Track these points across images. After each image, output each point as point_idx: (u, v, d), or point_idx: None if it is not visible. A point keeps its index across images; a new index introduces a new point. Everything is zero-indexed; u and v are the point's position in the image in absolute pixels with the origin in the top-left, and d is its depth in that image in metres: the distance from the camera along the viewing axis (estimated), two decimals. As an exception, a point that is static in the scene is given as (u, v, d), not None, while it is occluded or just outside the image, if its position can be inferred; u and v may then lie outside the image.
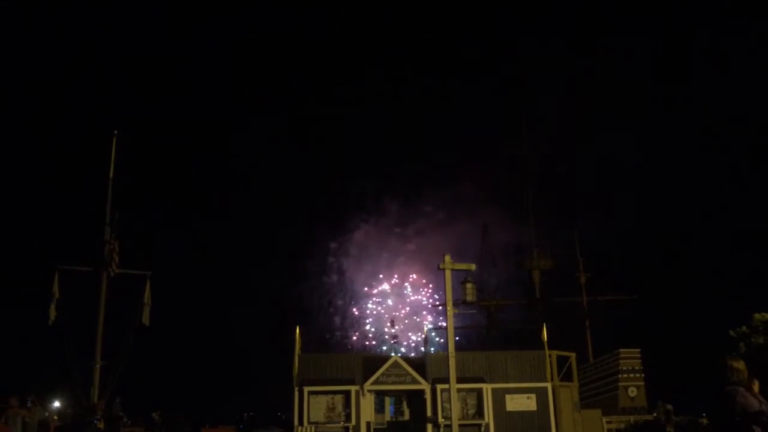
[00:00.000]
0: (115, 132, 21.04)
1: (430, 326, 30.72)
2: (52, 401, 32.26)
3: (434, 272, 19.48)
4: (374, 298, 35.87)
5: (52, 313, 18.58)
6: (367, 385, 24.94)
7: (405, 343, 33.87)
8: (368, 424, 24.64)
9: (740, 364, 5.69)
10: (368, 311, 35.77)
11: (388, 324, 31.37)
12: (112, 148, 20.85)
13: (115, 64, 68.81)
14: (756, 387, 5.52)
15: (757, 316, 21.62)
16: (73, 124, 59.73)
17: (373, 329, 35.54)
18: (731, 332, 22.01)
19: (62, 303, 18.98)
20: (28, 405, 16.05)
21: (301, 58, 72.32)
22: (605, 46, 62.83)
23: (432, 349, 28.60)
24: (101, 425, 14.01)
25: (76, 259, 20.06)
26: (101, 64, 66.81)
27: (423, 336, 27.33)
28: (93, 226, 20.43)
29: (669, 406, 20.65)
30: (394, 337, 31.39)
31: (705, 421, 18.16)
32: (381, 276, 35.42)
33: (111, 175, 20.58)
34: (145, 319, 19.88)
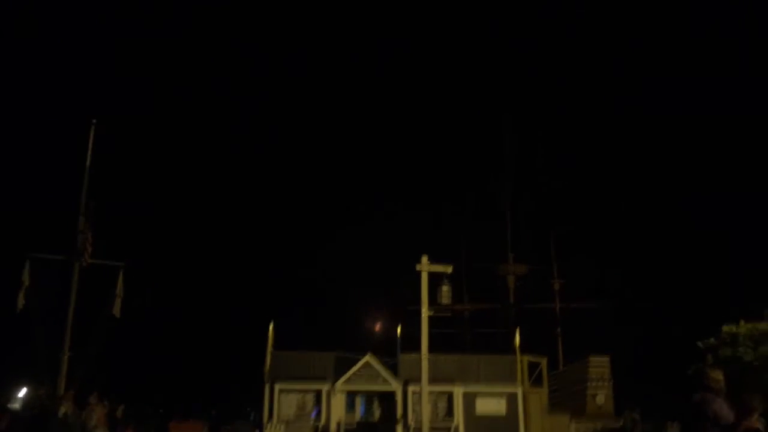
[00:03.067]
0: (93, 121, 20.77)
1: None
2: (17, 392, 31.72)
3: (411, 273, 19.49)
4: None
5: (20, 301, 18.29)
6: (339, 384, 24.92)
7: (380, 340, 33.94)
8: (338, 423, 24.61)
9: (719, 375, 5.75)
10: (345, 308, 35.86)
11: (364, 323, 31.43)
12: (90, 137, 20.57)
13: (94, 51, 67.88)
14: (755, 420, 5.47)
15: (725, 328, 22.01)
16: (50, 112, 58.80)
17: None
18: (699, 344, 22.38)
19: (31, 291, 18.69)
20: None
21: (288, 37, 72.01)
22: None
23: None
24: (73, 416, 13.81)
25: (49, 248, 19.75)
26: (79, 50, 65.86)
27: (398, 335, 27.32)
28: (67, 216, 20.15)
29: (635, 415, 20.92)
30: (368, 336, 31.50)
31: (671, 429, 18.43)
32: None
33: (88, 164, 20.30)
34: (116, 310, 19.65)
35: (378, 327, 31.67)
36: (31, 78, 61.40)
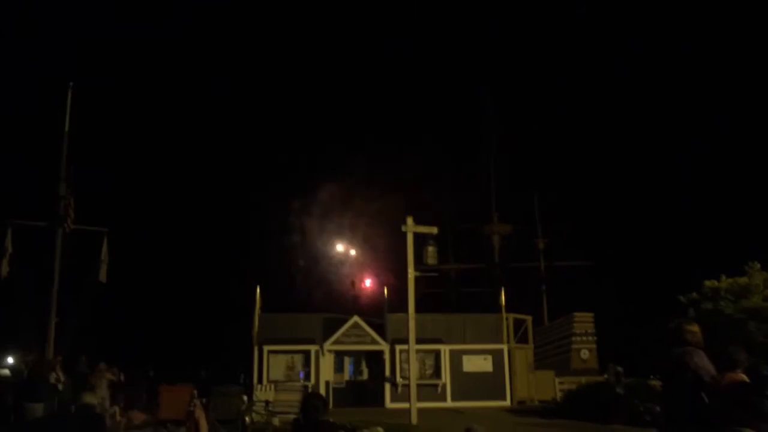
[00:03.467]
0: (70, 84, 20.36)
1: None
2: (4, 358, 31.73)
3: (397, 234, 19.52)
4: (334, 259, 35.87)
5: (4, 268, 18.16)
6: (327, 345, 25.18)
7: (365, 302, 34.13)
8: (327, 383, 24.92)
9: (695, 327, 5.80)
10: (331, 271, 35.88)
11: (349, 285, 31.48)
12: (68, 100, 20.19)
13: (72, 12, 66.19)
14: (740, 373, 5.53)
15: (707, 282, 22.34)
16: (27, 76, 57.57)
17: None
18: (681, 298, 22.74)
19: (15, 258, 18.55)
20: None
21: (263, 13, 70.69)
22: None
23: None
24: (61, 382, 13.85)
25: (31, 214, 19.55)
26: (57, 13, 64.26)
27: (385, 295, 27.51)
28: (48, 181, 19.88)
29: (619, 368, 21.25)
30: (355, 297, 31.62)
31: (654, 383, 18.81)
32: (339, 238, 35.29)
33: (66, 128, 19.96)
34: (102, 276, 19.58)
35: (363, 285, 31.77)
36: (6, 43, 59.95)
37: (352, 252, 33.12)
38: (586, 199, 44.42)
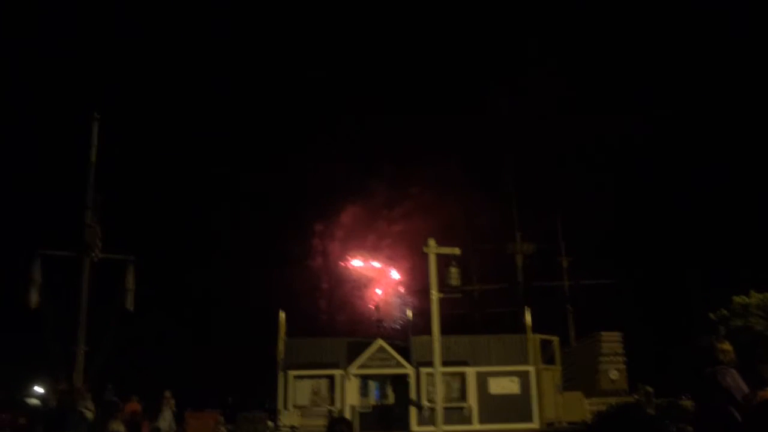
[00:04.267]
0: (96, 115, 20.74)
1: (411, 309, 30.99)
2: (33, 387, 32.06)
3: (420, 255, 19.52)
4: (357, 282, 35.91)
5: (35, 298, 18.36)
6: (352, 369, 25.08)
7: (390, 326, 34.03)
8: (353, 407, 24.79)
9: (727, 346, 5.71)
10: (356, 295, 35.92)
11: (373, 308, 31.50)
12: (93, 131, 20.55)
13: (97, 44, 67.75)
14: None
15: (736, 299, 21.98)
16: (53, 107, 58.84)
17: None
18: (711, 315, 22.38)
19: (43, 288, 18.76)
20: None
21: (283, 28, 71.71)
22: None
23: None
24: (90, 411, 13.96)
25: (58, 244, 19.82)
26: (82, 44, 65.75)
27: (408, 318, 27.41)
28: (75, 211, 20.19)
29: (649, 389, 20.93)
30: (379, 321, 31.57)
31: (686, 403, 18.46)
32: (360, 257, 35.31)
33: (93, 158, 20.29)
34: (129, 304, 19.72)
35: (380, 308, 31.76)
36: (34, 74, 61.43)
37: (374, 274, 33.17)
38: (611, 216, 44.03)
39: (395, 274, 33.42)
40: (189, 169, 58.74)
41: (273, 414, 25.32)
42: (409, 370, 25.20)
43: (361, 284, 33.63)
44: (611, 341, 30.00)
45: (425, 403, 24.39)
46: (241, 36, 72.43)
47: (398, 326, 30.02)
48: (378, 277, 33.70)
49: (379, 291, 32.72)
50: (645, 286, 40.54)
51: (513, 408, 25.30)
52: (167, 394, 21.00)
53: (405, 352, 25.59)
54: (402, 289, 33.15)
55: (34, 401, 21.87)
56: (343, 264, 33.55)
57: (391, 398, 26.42)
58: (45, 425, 11.89)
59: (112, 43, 65.69)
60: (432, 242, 19.12)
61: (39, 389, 30.08)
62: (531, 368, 26.08)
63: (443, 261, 20.56)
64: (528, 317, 27.11)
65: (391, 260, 33.59)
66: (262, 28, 72.06)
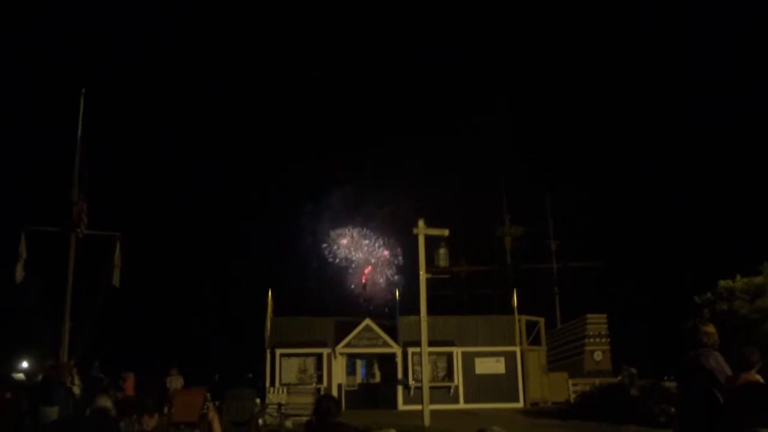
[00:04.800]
0: (83, 90, 20.47)
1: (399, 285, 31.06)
2: (19, 363, 31.94)
3: (408, 236, 19.53)
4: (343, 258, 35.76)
5: (20, 273, 18.25)
6: (339, 348, 25.18)
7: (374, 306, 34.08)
8: (339, 386, 24.93)
9: (711, 329, 5.74)
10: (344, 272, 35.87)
11: (361, 287, 31.55)
12: (80, 106, 20.31)
13: (84, 18, 66.73)
14: (754, 374, 5.44)
15: (722, 283, 22.14)
16: (39, 83, 58.07)
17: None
18: (696, 298, 22.55)
19: (29, 263, 18.65)
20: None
21: (276, 15, 70.94)
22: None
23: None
24: (76, 386, 13.93)
25: (44, 220, 19.67)
26: (69, 18, 64.78)
27: (396, 298, 27.48)
28: (61, 187, 20.00)
29: (633, 370, 21.16)
30: (366, 299, 31.66)
31: (669, 384, 18.68)
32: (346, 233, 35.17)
33: (79, 134, 20.07)
34: (115, 280, 19.66)
35: (367, 285, 31.80)
36: (20, 51, 60.50)
37: (363, 254, 33.17)
38: (598, 199, 44.22)
39: (383, 254, 33.43)
40: (176, 146, 58.32)
41: (260, 392, 25.41)
42: (396, 349, 25.33)
43: (349, 263, 33.64)
44: (597, 323, 30.30)
45: (412, 382, 24.55)
46: (235, 17, 71.61)
47: (386, 307, 30.12)
48: (366, 256, 33.67)
49: (366, 271, 32.73)
50: (631, 269, 40.84)
51: (499, 387, 25.55)
52: (174, 371, 21.48)
53: (392, 332, 25.69)
54: (390, 269, 33.17)
55: (20, 376, 21.76)
56: (332, 242, 33.51)
57: (377, 377, 26.60)
58: (30, 400, 11.83)
59: (97, 20, 64.72)
60: (421, 223, 19.09)
61: (24, 364, 29.98)
62: (517, 349, 26.32)
63: (432, 242, 20.63)
64: (515, 299, 27.30)
65: (380, 240, 33.56)
66: (256, 10, 71.30)
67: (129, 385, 19.80)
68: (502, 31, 67.10)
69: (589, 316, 30.58)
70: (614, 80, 59.75)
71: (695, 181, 47.98)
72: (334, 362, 25.17)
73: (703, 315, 20.40)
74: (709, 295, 22.25)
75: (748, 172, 46.35)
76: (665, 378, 21.67)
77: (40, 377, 13.28)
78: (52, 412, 11.47)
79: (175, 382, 20.95)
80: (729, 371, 5.41)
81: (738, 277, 22.00)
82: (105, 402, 7.62)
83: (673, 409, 15.94)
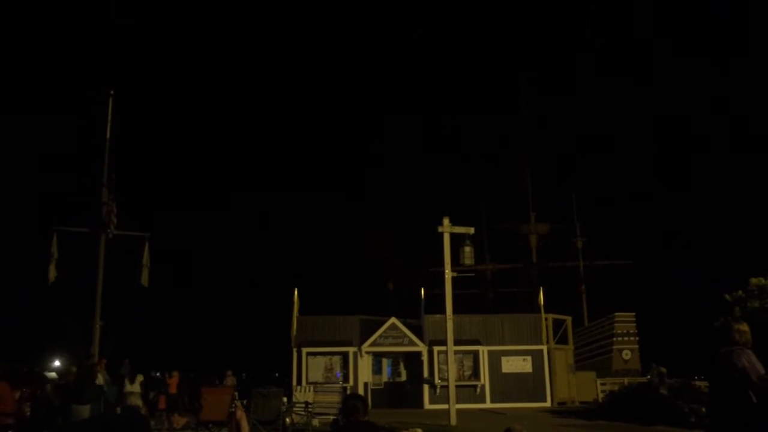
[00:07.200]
0: (111, 92, 20.76)
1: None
2: (51, 361, 32.57)
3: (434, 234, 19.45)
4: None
5: (52, 273, 18.58)
6: (365, 347, 25.23)
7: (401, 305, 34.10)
8: (366, 384, 24.98)
9: (744, 326, 5.62)
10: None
11: (387, 286, 31.59)
12: (109, 108, 20.59)
13: (114, 21, 67.72)
14: None
15: (753, 280, 21.71)
16: (69, 84, 59.06)
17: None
18: (727, 296, 22.14)
19: (60, 263, 18.97)
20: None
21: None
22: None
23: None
24: (108, 385, 14.15)
25: (74, 220, 20.01)
26: (99, 21, 65.74)
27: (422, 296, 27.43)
28: (91, 187, 20.32)
29: (662, 369, 20.86)
30: (392, 299, 31.69)
31: (699, 383, 18.41)
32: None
33: (108, 135, 20.37)
34: (144, 280, 19.91)
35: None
36: (49, 54, 61.57)
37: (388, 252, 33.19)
38: (626, 197, 43.73)
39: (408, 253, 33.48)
40: (204, 148, 58.85)
41: (287, 390, 25.55)
42: (421, 348, 25.30)
43: (377, 262, 33.73)
44: (625, 321, 29.99)
45: (438, 381, 24.51)
46: (255, 19, 72.01)
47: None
48: (391, 255, 33.74)
49: (392, 270, 32.80)
50: (660, 266, 40.31)
51: (525, 387, 25.39)
52: (229, 372, 23.67)
53: (418, 331, 25.67)
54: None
55: (53, 375, 22.16)
56: (359, 242, 33.67)
57: (403, 375, 26.58)
58: (62, 398, 12.04)
59: (130, 20, 65.55)
60: (446, 221, 19.03)
61: (57, 363, 30.55)
62: (543, 347, 26.11)
63: (457, 240, 20.52)
64: (541, 297, 27.08)
65: (405, 238, 33.60)
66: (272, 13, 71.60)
67: (173, 383, 20.03)
68: (527, 20, 66.58)
69: (617, 314, 30.26)
70: (638, 80, 58.97)
71: (727, 177, 47.21)
72: (360, 361, 25.23)
73: (733, 313, 20.04)
74: (740, 292, 21.83)
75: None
76: (696, 377, 21.36)
77: (72, 376, 13.49)
78: (84, 410, 11.65)
79: (230, 382, 22.23)
80: (762, 370, 5.30)
81: (770, 274, 21.55)
82: (136, 400, 7.74)
83: (704, 409, 15.70)
